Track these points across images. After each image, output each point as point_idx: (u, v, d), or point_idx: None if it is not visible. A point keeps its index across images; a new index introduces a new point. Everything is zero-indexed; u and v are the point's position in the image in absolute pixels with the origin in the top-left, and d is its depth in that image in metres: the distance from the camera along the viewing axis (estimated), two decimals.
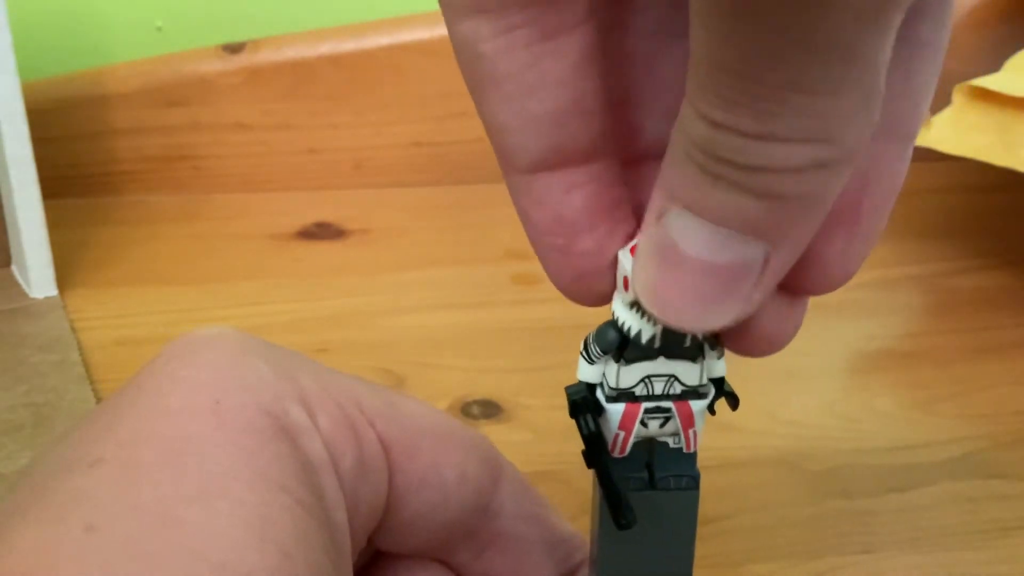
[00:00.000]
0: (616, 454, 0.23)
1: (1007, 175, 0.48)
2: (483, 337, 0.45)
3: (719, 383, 0.23)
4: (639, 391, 0.22)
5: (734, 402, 0.23)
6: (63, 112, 0.55)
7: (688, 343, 0.22)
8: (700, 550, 0.34)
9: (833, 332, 0.47)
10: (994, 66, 0.54)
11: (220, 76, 0.56)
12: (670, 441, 0.23)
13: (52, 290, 0.47)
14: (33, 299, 0.46)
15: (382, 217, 0.56)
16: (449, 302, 0.48)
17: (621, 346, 0.22)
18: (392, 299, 0.49)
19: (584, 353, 0.23)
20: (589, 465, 0.22)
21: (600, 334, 0.22)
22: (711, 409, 0.23)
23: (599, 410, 0.23)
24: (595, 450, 0.22)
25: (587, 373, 0.23)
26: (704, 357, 0.23)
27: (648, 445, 0.23)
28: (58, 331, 0.44)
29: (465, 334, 0.46)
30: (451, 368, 0.43)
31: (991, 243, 0.55)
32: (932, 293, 0.51)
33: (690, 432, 0.23)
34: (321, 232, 0.55)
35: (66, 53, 0.56)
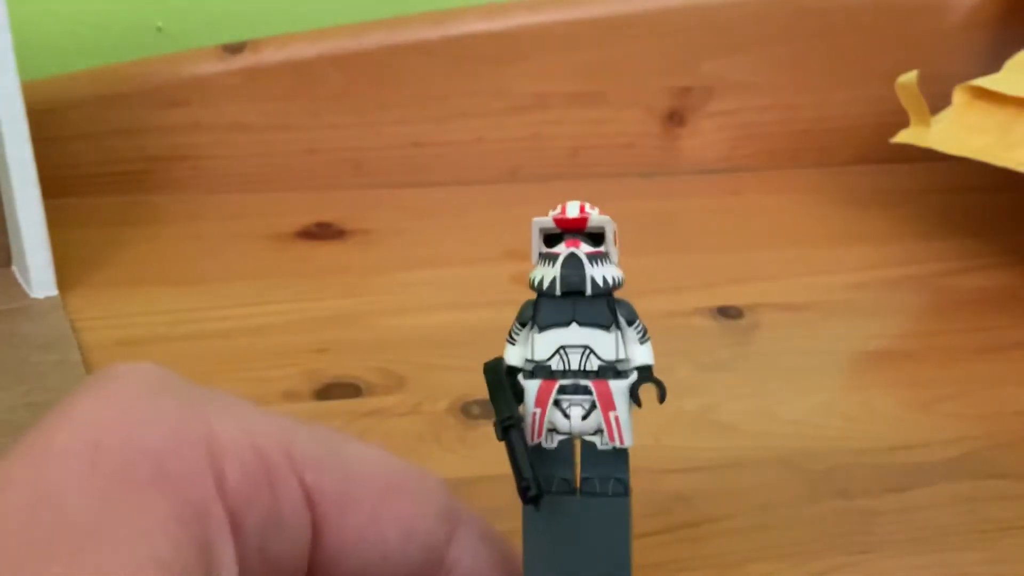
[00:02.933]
0: (534, 438, 0.22)
1: (1007, 175, 0.48)
2: (483, 337, 0.45)
3: (645, 371, 0.22)
4: (555, 365, 0.22)
5: (661, 392, 0.22)
6: (63, 112, 0.55)
7: (593, 297, 0.22)
8: (700, 550, 0.34)
9: (833, 332, 0.47)
10: (994, 66, 0.54)
11: (220, 76, 0.56)
12: (597, 441, 0.22)
13: (52, 290, 0.47)
14: (33, 299, 0.46)
15: (382, 217, 0.56)
16: (449, 302, 0.48)
17: (535, 310, 0.22)
18: (392, 299, 0.49)
19: (508, 337, 0.23)
20: (503, 433, 0.22)
21: (520, 310, 0.23)
22: (635, 398, 0.22)
23: (518, 392, 0.22)
24: (499, 400, 0.22)
25: (509, 355, 0.23)
26: (619, 328, 0.22)
27: (577, 446, 0.22)
28: (58, 331, 0.44)
29: (465, 334, 0.46)
30: (451, 368, 0.43)
31: (991, 243, 0.55)
32: (932, 293, 0.51)
33: (611, 416, 0.22)
34: (321, 232, 0.55)
35: (66, 53, 0.56)
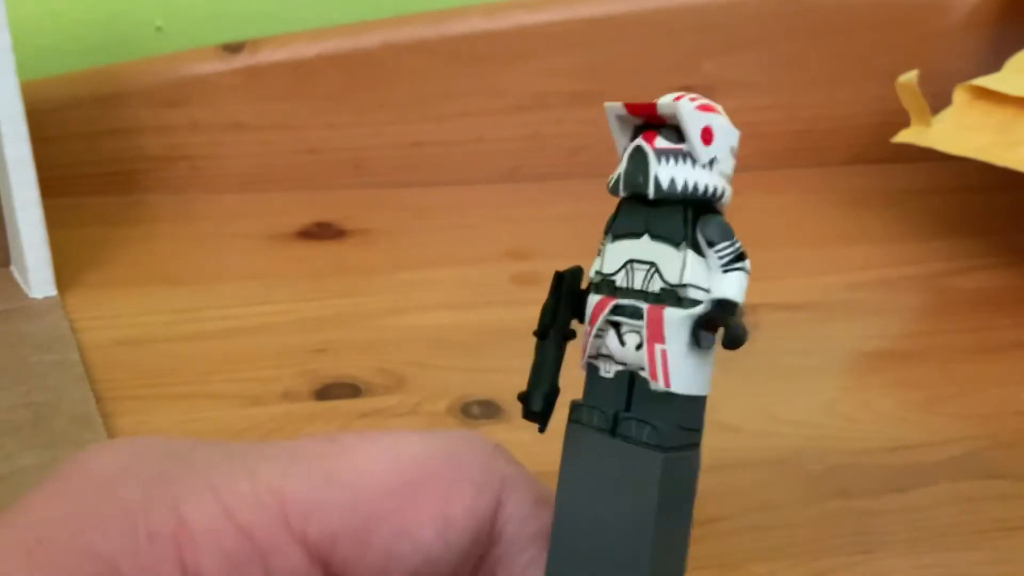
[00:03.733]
0: (582, 357, 0.19)
1: (1007, 175, 0.48)
2: (483, 337, 0.45)
3: (724, 306, 0.18)
4: (620, 280, 0.19)
5: (729, 336, 0.18)
6: (62, 112, 0.55)
7: (675, 214, 0.18)
8: (700, 550, 0.34)
9: (833, 332, 0.47)
10: (994, 66, 0.54)
11: (220, 76, 0.56)
12: (650, 380, 0.18)
13: (51, 290, 0.47)
14: (32, 299, 0.46)
15: (382, 217, 0.56)
16: (449, 302, 0.48)
17: (614, 215, 0.19)
18: (392, 299, 0.49)
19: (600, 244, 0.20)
20: (539, 332, 0.19)
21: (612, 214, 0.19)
22: (696, 336, 0.18)
23: (581, 298, 0.19)
24: (546, 305, 0.19)
25: (595, 264, 0.20)
26: (692, 248, 0.18)
27: (630, 380, 0.19)
28: (57, 331, 0.44)
29: (465, 334, 0.45)
30: (451, 368, 0.43)
31: (992, 243, 0.55)
32: (932, 293, 0.51)
33: (657, 349, 0.18)
34: (321, 232, 0.55)
35: (65, 53, 0.56)
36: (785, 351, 0.45)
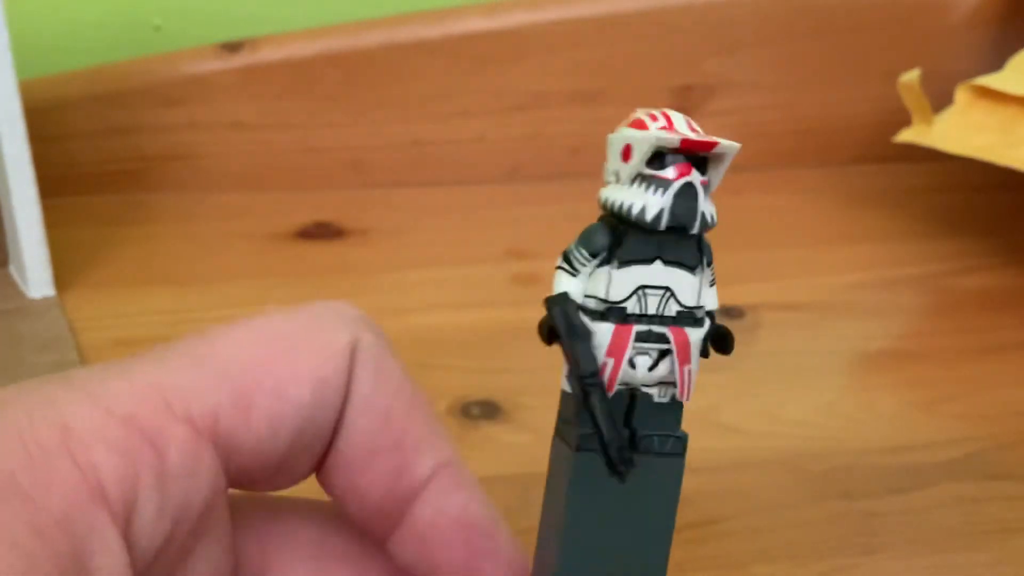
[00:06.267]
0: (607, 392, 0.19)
1: (1010, 174, 0.48)
2: (483, 337, 0.45)
3: (711, 317, 0.20)
4: (631, 307, 0.19)
5: (724, 342, 0.20)
6: (61, 111, 0.54)
7: (690, 241, 0.19)
8: (700, 552, 0.34)
9: (834, 332, 0.47)
10: (995, 65, 0.54)
11: (218, 75, 0.56)
12: (655, 393, 0.20)
13: (50, 290, 0.46)
14: (31, 299, 0.46)
15: (382, 217, 0.56)
16: (449, 302, 0.48)
17: (614, 244, 0.19)
18: (392, 299, 0.48)
19: (565, 264, 0.19)
20: (584, 393, 0.19)
21: (587, 236, 0.19)
22: (706, 351, 0.20)
23: (585, 333, 0.19)
24: (581, 349, 0.19)
25: (569, 286, 0.19)
26: (703, 269, 0.19)
27: (628, 397, 0.20)
28: (56, 331, 0.44)
29: (465, 334, 0.45)
30: (451, 368, 0.43)
31: (994, 243, 0.55)
32: (934, 293, 0.51)
33: (685, 371, 0.19)
34: (320, 232, 0.54)
35: (64, 52, 0.56)
36: (786, 351, 0.45)
